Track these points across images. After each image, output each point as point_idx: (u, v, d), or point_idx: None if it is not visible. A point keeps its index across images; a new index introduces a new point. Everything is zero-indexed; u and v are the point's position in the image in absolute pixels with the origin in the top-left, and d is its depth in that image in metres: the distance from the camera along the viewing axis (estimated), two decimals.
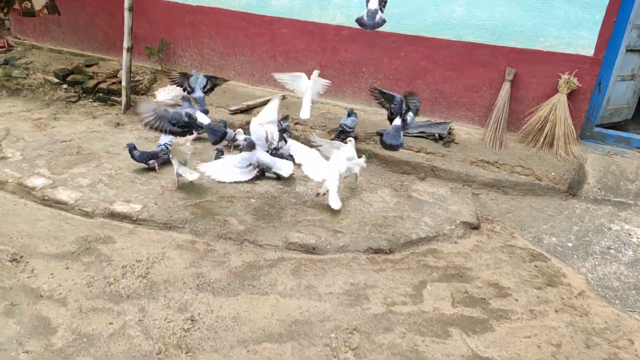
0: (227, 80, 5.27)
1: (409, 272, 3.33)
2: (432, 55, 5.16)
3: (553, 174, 4.44)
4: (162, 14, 6.23)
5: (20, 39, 7.08)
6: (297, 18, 5.60)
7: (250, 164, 3.76)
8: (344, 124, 4.76)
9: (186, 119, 3.74)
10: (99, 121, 5.28)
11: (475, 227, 3.92)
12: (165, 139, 4.39)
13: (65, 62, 6.44)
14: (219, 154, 4.31)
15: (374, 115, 5.46)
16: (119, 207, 3.67)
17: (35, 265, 3.08)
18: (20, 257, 3.13)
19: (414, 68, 5.30)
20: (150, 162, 4.24)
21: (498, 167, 4.56)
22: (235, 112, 5.38)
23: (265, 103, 5.45)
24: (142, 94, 5.79)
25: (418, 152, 4.80)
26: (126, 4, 5.11)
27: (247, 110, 5.45)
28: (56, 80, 5.93)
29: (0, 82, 5.94)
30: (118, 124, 5.18)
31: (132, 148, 4.23)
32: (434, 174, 4.59)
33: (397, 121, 4.11)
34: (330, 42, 5.56)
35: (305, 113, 4.47)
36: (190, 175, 3.92)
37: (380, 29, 5.33)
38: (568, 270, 3.52)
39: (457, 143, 4.96)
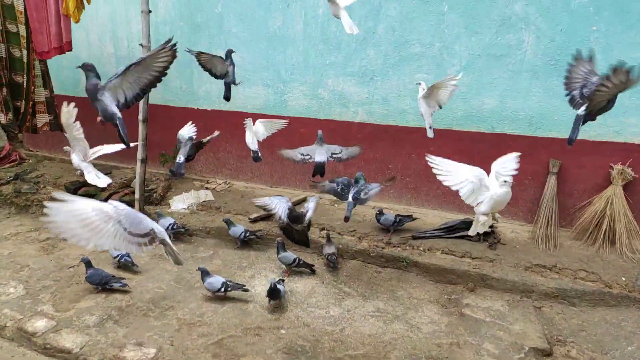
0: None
1: None
2: (464, 148, 4.81)
3: (623, 278, 3.87)
4: (177, 120, 6.05)
5: (32, 150, 6.96)
6: (317, 117, 5.37)
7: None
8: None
9: None
10: None
11: (547, 354, 3.30)
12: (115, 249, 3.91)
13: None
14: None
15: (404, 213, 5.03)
16: (130, 354, 3.14)
17: None
18: None
19: None
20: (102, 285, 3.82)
21: (557, 273, 4.01)
22: (255, 220, 4.98)
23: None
24: (157, 204, 5.46)
25: (462, 257, 4.30)
26: (140, 116, 4.92)
27: (268, 217, 5.05)
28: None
29: (9, 198, 5.68)
30: None
31: (86, 264, 3.81)
32: (484, 284, 4.05)
33: None
34: (353, 140, 5.27)
35: None
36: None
37: (406, 124, 5.12)
38: None
39: (503, 244, 4.46)
